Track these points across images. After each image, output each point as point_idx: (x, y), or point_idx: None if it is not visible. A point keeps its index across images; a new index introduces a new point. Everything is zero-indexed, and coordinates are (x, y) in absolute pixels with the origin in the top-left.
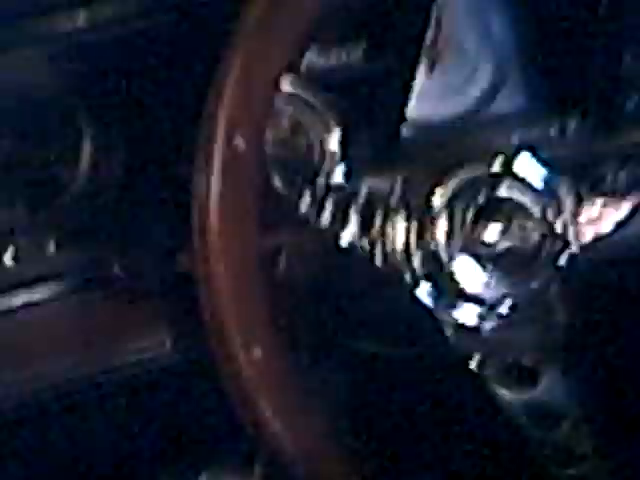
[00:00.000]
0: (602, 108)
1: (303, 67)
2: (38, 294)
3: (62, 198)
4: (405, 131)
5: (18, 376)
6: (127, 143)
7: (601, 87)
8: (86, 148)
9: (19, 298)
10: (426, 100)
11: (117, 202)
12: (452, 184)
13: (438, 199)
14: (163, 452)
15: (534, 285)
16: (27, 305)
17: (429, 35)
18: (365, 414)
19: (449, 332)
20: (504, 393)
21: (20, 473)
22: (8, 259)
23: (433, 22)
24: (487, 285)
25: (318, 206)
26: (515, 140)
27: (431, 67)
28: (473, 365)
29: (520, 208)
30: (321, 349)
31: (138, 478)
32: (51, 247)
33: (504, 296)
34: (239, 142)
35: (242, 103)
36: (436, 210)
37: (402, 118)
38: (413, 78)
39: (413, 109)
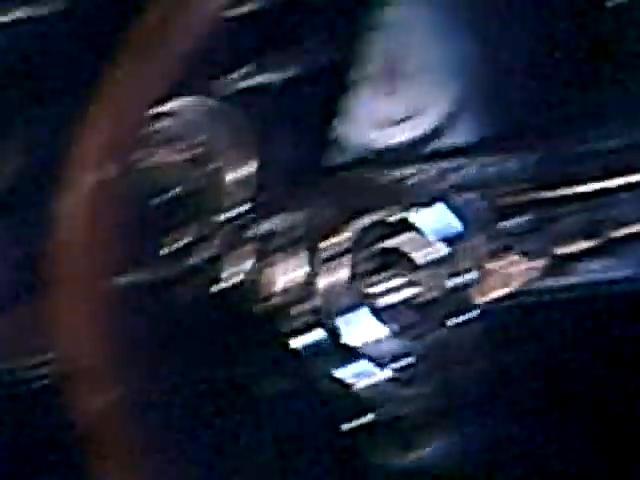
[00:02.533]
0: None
1: (220, 89)
2: None
3: None
4: (336, 156)
5: None
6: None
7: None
8: None
9: None
10: (374, 125)
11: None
12: (355, 229)
13: (335, 244)
14: None
15: (429, 341)
16: None
17: (382, 55)
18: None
19: (326, 386)
20: (378, 458)
21: None
22: None
23: (382, 41)
24: (377, 341)
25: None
26: (470, 171)
27: (387, 88)
28: (347, 425)
29: (410, 261)
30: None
31: None
32: None
33: (396, 353)
34: (108, 168)
35: (113, 127)
36: (330, 256)
37: (326, 142)
38: (340, 99)
39: (353, 133)
